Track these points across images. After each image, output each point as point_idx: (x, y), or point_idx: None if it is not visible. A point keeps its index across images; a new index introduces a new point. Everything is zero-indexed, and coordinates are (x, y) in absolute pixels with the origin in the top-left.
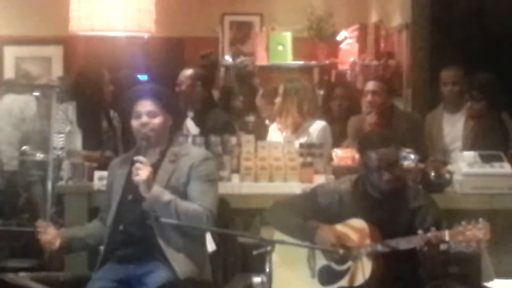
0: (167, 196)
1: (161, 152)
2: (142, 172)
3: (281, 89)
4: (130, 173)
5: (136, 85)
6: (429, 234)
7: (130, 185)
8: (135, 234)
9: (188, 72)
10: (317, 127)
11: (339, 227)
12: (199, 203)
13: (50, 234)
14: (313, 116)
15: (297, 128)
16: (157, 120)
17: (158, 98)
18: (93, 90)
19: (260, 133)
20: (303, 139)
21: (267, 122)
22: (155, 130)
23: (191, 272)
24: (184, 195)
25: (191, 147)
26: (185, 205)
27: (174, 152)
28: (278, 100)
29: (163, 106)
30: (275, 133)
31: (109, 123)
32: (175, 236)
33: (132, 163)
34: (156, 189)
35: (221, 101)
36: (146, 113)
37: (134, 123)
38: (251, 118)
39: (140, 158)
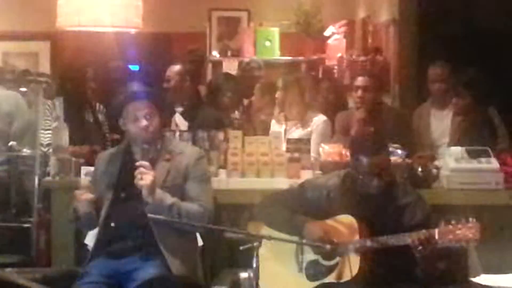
0: (169, 199)
1: (155, 150)
2: (146, 176)
3: (280, 82)
4: (121, 171)
5: (126, 78)
6: (418, 233)
7: (122, 183)
8: (127, 231)
9: (177, 67)
10: (318, 120)
11: (328, 222)
12: (199, 203)
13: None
14: (313, 106)
15: (298, 120)
16: (155, 121)
17: (152, 97)
18: (76, 86)
19: (247, 129)
20: (303, 132)
21: (262, 117)
22: (155, 131)
23: (184, 269)
24: (179, 194)
25: (184, 145)
26: (187, 206)
27: (168, 150)
28: (279, 94)
29: (157, 105)
30: (275, 126)
31: (95, 117)
32: (172, 234)
33: (131, 162)
34: (159, 193)
35: (208, 97)
36: (144, 116)
37: (132, 127)
38: (237, 115)
39: (143, 163)
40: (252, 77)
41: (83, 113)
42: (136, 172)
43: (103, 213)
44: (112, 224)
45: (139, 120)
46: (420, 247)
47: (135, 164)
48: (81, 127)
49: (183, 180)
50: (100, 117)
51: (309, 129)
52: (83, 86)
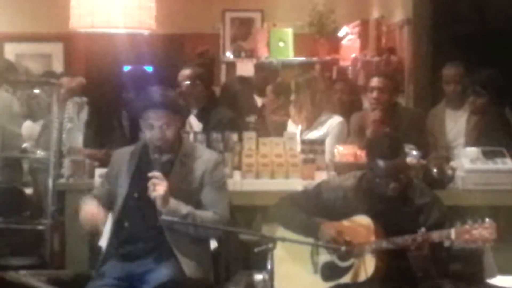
0: (184, 209)
1: (173, 152)
2: (159, 188)
3: (292, 85)
4: (136, 171)
5: (144, 82)
6: (434, 233)
7: (136, 183)
8: (140, 232)
9: (187, 72)
10: (334, 121)
11: (344, 223)
12: (214, 211)
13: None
14: (327, 107)
15: (312, 122)
16: (170, 132)
17: (170, 106)
18: (111, 89)
19: (260, 130)
20: (318, 133)
21: (275, 118)
22: (169, 141)
23: (197, 271)
24: (195, 200)
25: (201, 149)
26: (202, 215)
27: (185, 153)
28: (293, 95)
29: (175, 112)
30: (292, 127)
31: (119, 121)
32: (184, 236)
33: (147, 162)
34: (173, 203)
35: (222, 99)
36: (160, 127)
37: (148, 133)
38: (251, 119)
39: (156, 173)
40: (270, 73)
41: (109, 116)
42: (149, 183)
43: (116, 212)
44: (126, 224)
45: (154, 129)
46: (435, 247)
47: (150, 165)
48: (107, 130)
49: (199, 185)
50: (123, 120)
51: (324, 130)
52: (114, 89)
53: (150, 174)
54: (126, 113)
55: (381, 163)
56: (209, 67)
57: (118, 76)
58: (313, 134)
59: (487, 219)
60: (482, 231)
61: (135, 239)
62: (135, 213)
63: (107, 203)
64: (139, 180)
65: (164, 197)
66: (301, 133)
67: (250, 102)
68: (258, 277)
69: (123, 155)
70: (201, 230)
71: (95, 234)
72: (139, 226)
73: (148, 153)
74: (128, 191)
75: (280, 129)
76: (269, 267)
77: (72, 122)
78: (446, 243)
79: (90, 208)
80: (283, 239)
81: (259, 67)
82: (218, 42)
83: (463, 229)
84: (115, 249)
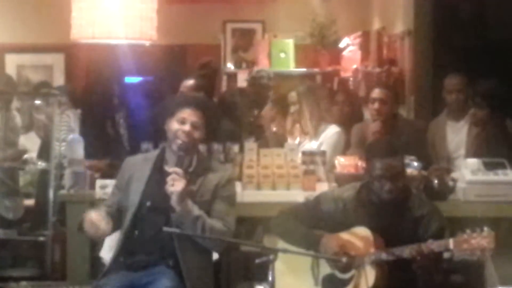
0: (196, 211)
1: (189, 163)
2: (177, 183)
3: (293, 97)
4: (150, 179)
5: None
6: (433, 243)
7: (149, 191)
8: (149, 242)
9: (189, 82)
10: (330, 131)
11: (343, 235)
12: (223, 223)
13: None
14: (326, 118)
15: (316, 130)
16: (197, 134)
17: (205, 111)
18: (103, 98)
19: (260, 142)
20: (315, 143)
21: (275, 129)
22: (193, 142)
23: (199, 284)
24: (205, 211)
25: (217, 164)
26: (212, 223)
27: (202, 166)
28: (293, 108)
29: (206, 120)
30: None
31: (115, 129)
32: (192, 249)
33: (161, 171)
34: (188, 203)
35: (221, 110)
36: (191, 123)
37: (175, 125)
38: (250, 140)
39: (177, 170)
40: (262, 87)
41: (103, 126)
42: (169, 178)
43: (127, 221)
44: (136, 233)
45: (185, 123)
46: (434, 258)
47: (165, 172)
48: (101, 139)
49: (211, 197)
50: (120, 129)
51: (320, 140)
52: (106, 98)
53: (171, 170)
54: (124, 122)
55: (377, 163)
56: (211, 78)
57: (118, 87)
58: (311, 145)
59: (485, 228)
60: (481, 240)
61: (144, 249)
62: (146, 222)
63: (117, 213)
64: (153, 188)
65: (181, 194)
66: (299, 144)
67: (250, 113)
68: None
69: (135, 161)
70: (207, 240)
71: (98, 240)
72: (149, 235)
73: (165, 161)
74: (140, 199)
75: (281, 141)
76: (270, 278)
77: (73, 133)
78: (446, 254)
79: (92, 216)
80: (284, 251)
81: (253, 80)
82: (219, 53)
83: (461, 238)
84: (121, 259)
